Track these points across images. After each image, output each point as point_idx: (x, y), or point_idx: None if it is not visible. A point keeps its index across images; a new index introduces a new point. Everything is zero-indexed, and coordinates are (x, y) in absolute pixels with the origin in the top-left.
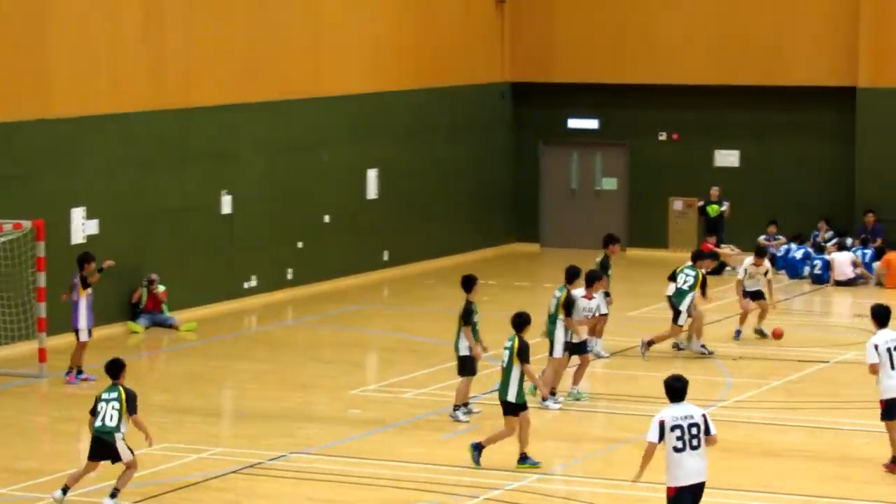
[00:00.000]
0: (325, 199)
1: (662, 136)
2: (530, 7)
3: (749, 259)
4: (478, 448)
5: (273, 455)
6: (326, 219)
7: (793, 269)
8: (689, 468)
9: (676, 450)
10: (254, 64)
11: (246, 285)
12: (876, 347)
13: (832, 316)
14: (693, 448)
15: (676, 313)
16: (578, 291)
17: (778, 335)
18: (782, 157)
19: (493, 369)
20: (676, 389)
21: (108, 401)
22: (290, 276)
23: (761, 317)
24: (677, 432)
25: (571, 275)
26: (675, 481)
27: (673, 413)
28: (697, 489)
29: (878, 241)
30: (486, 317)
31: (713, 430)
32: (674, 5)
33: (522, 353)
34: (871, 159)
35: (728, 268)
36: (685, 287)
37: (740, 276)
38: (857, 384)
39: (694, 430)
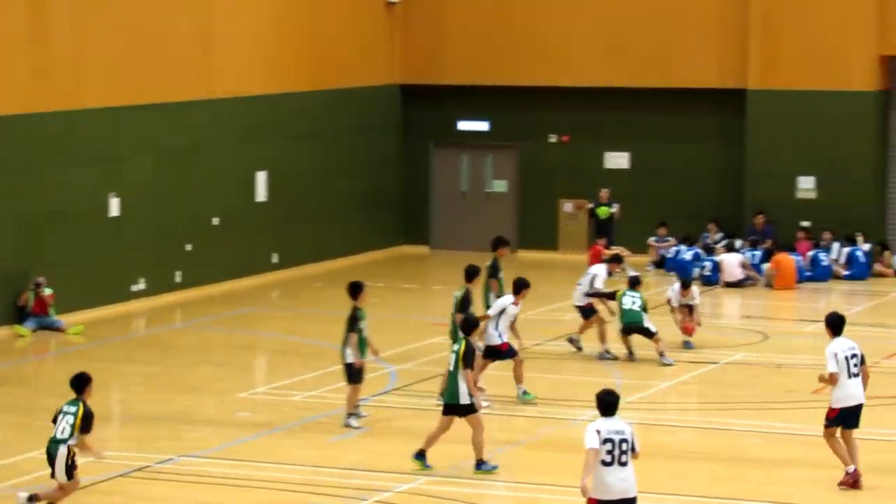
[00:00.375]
0: (214, 202)
1: (552, 139)
2: (420, 9)
3: (676, 286)
4: (479, 465)
5: (161, 458)
6: (215, 221)
7: (682, 270)
8: (614, 483)
9: (604, 463)
10: (142, 66)
11: (134, 288)
12: (835, 356)
13: (722, 317)
14: (621, 464)
15: (646, 331)
16: (507, 299)
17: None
18: (672, 159)
19: (382, 372)
20: (608, 403)
21: (66, 414)
22: (178, 279)
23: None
24: (608, 446)
25: (470, 274)
26: (598, 494)
27: (605, 426)
28: None
29: (768, 243)
30: (376, 319)
31: (637, 447)
32: (564, 8)
33: (466, 358)
34: (761, 161)
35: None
36: (636, 308)
37: (675, 304)
38: (747, 385)
39: (624, 446)
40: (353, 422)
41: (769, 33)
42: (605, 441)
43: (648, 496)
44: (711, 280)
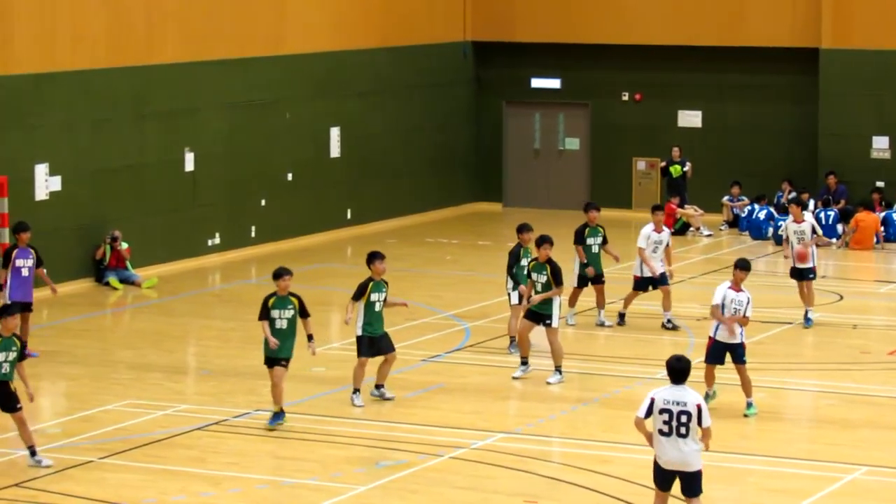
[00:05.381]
0: (289, 157)
1: (625, 97)
2: None
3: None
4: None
5: (237, 412)
6: (290, 177)
7: (756, 230)
8: (670, 455)
9: (662, 433)
10: (215, 21)
11: (210, 242)
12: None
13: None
14: (680, 436)
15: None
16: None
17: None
18: (745, 118)
19: (457, 328)
20: (676, 370)
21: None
22: (253, 234)
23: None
24: (665, 416)
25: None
26: (658, 459)
27: (665, 395)
28: (684, 477)
29: (841, 203)
30: (450, 276)
31: (706, 422)
32: None
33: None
34: (834, 121)
35: (691, 228)
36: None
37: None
38: (821, 345)
39: (683, 418)
40: (357, 400)
41: None
42: (663, 411)
43: (719, 455)
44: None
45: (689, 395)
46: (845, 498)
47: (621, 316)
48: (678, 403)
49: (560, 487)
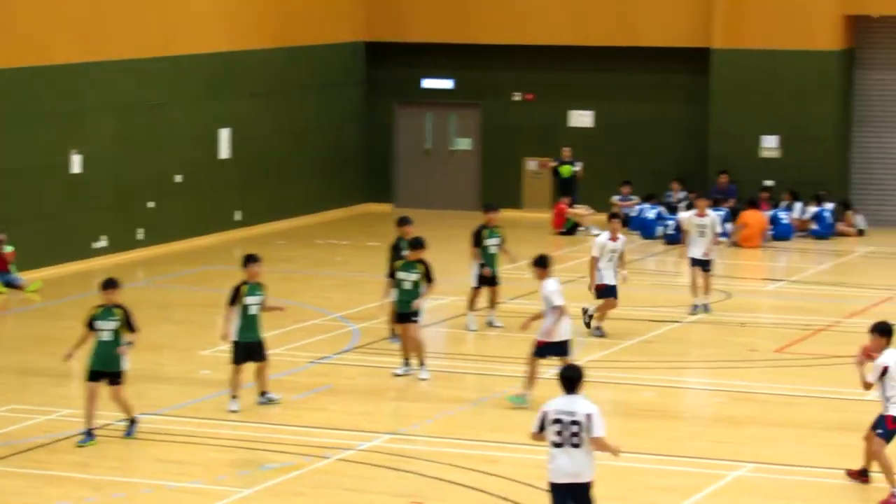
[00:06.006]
0: (177, 159)
1: (517, 97)
2: None
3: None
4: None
5: (121, 417)
6: (178, 178)
7: (646, 229)
8: (562, 466)
9: (554, 444)
10: (104, 21)
11: (95, 245)
12: (885, 370)
13: (685, 276)
14: (573, 446)
15: None
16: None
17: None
18: (636, 118)
19: (344, 330)
20: (567, 380)
21: None
22: (140, 237)
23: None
24: (557, 427)
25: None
26: (549, 475)
27: (557, 406)
28: (575, 489)
29: (731, 202)
30: (339, 277)
31: (598, 432)
32: None
33: None
34: (724, 120)
35: (581, 228)
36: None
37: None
38: (709, 343)
39: (575, 428)
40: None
41: None
42: (555, 421)
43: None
44: (674, 239)
45: (580, 404)
46: (731, 495)
47: (598, 328)
48: (569, 414)
49: (447, 488)
